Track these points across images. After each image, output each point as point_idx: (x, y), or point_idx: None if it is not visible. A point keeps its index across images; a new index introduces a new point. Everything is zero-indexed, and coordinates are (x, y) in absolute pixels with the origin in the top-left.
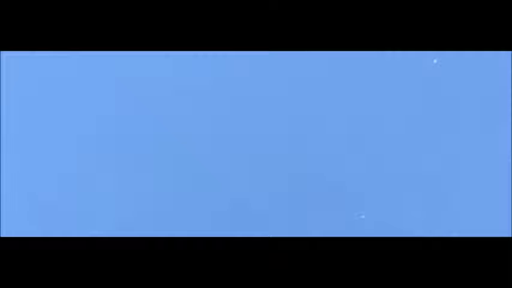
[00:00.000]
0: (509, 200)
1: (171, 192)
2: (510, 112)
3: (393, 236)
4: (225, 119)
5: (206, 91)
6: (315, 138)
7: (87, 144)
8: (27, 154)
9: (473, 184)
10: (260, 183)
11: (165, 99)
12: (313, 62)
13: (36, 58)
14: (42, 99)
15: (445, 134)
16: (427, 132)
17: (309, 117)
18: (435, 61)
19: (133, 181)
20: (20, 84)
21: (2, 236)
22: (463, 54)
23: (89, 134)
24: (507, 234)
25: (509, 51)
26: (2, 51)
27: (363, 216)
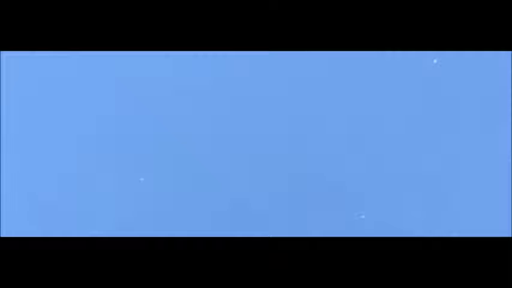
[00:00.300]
0: (509, 200)
1: (171, 192)
2: (510, 112)
3: (393, 236)
4: (225, 119)
5: (206, 91)
6: (315, 138)
7: (87, 144)
8: (27, 154)
9: (473, 184)
10: (260, 183)
11: (165, 99)
12: (313, 62)
13: (36, 58)
14: (42, 99)
15: (445, 134)
16: (427, 132)
17: (309, 117)
18: (435, 61)
19: (133, 181)
20: (20, 84)
21: (2, 236)
22: (463, 54)
23: (89, 134)
24: (507, 234)
25: (509, 51)
26: (2, 51)
27: (363, 216)
